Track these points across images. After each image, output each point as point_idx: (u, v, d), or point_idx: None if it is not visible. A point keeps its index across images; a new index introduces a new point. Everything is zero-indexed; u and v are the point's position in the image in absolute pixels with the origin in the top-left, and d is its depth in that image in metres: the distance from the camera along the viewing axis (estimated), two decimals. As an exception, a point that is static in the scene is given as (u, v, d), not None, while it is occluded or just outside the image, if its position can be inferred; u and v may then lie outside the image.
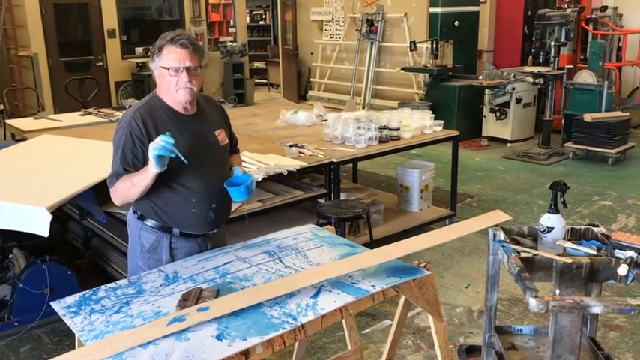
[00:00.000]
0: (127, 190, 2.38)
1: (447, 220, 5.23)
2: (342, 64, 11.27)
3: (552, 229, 2.37)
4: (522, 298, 3.05)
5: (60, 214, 4.82)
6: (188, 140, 2.43)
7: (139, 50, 10.63)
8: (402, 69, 9.25)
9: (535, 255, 2.33)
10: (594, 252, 2.33)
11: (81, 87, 8.01)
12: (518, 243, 2.46)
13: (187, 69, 2.35)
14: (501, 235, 2.43)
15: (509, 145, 8.17)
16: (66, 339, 3.55)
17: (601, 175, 6.83)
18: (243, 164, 3.28)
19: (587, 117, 7.20)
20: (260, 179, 3.76)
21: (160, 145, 2.22)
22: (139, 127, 2.35)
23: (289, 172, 3.96)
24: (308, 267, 2.26)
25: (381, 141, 4.71)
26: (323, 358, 3.36)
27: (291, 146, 4.35)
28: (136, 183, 2.35)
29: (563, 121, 7.95)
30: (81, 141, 4.61)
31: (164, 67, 2.35)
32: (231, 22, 13.95)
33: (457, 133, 5.25)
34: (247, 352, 1.75)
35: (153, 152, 2.23)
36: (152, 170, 2.27)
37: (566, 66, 8.11)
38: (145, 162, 2.36)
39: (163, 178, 2.41)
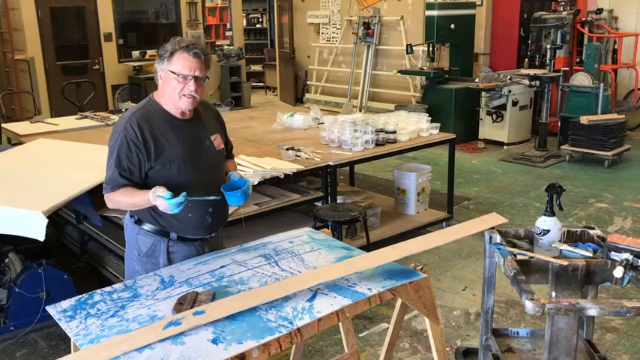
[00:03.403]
0: (125, 204, 2.42)
1: (444, 223, 5.23)
2: (339, 67, 11.29)
3: (548, 231, 2.38)
4: (519, 300, 3.05)
5: (56, 218, 4.82)
6: (184, 145, 2.43)
7: (136, 54, 10.62)
8: (399, 72, 9.26)
9: (531, 257, 2.34)
10: (590, 254, 2.33)
11: (77, 91, 7.99)
12: (514, 246, 2.47)
13: (196, 78, 2.35)
14: (497, 238, 2.44)
15: (505, 147, 8.18)
16: (62, 343, 3.54)
17: (597, 177, 6.84)
18: (240, 167, 3.29)
19: (584, 119, 7.21)
20: (256, 182, 3.76)
21: (174, 207, 2.26)
22: (134, 131, 2.35)
23: (286, 175, 3.96)
24: (304, 270, 2.26)
25: (378, 144, 4.71)
26: (320, 361, 3.36)
27: (287, 149, 4.35)
28: (136, 203, 2.39)
29: (559, 124, 7.97)
30: (77, 145, 4.61)
31: (172, 72, 2.35)
32: (228, 26, 13.97)
33: (454, 136, 5.26)
34: (243, 356, 1.74)
35: (169, 206, 2.25)
36: (153, 202, 2.30)
37: (562, 68, 8.13)
38: (140, 167, 2.37)
39: (160, 182, 2.41)
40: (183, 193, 2.27)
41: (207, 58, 2.40)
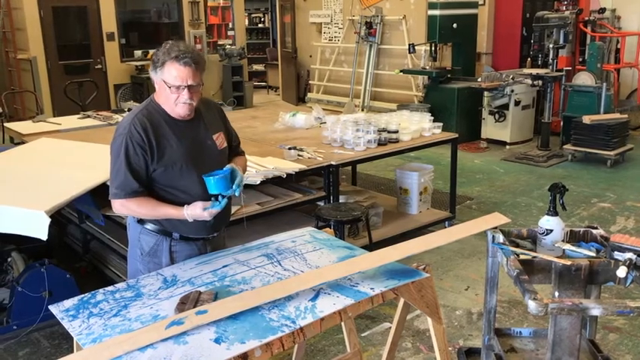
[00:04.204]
0: (144, 214, 2.43)
1: (446, 223, 5.22)
2: (341, 67, 11.28)
3: (551, 231, 2.37)
4: (522, 300, 3.04)
5: (59, 218, 4.82)
6: (186, 145, 2.43)
7: (138, 53, 10.64)
8: (401, 71, 9.25)
9: (534, 257, 2.33)
10: (593, 254, 2.33)
11: (80, 90, 8.00)
12: (517, 245, 2.46)
13: (189, 87, 2.34)
14: (500, 238, 2.43)
15: (508, 147, 8.18)
16: (64, 342, 3.54)
17: (600, 177, 6.83)
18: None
19: (586, 119, 7.20)
20: (259, 182, 3.76)
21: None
22: (139, 133, 2.33)
23: (288, 174, 3.96)
24: (307, 270, 2.26)
25: (380, 143, 4.71)
26: (322, 361, 3.36)
27: (289, 149, 4.35)
28: (160, 216, 2.42)
29: (562, 123, 7.96)
30: (79, 144, 4.61)
31: (165, 82, 2.34)
32: (230, 25, 13.97)
33: (456, 136, 5.25)
34: (246, 356, 1.74)
35: (218, 210, 2.36)
36: (191, 217, 2.36)
37: (565, 68, 8.11)
38: (147, 170, 2.36)
39: (162, 185, 2.41)
40: (223, 198, 2.37)
41: (198, 65, 2.35)
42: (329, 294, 2.04)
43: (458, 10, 8.72)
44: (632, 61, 8.83)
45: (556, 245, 2.36)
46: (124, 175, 2.34)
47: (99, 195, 3.66)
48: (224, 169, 2.42)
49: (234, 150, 2.74)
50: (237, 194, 2.42)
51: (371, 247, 4.00)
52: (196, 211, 2.35)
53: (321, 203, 4.33)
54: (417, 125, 5.04)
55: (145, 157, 2.35)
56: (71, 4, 10.03)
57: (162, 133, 2.39)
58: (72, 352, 1.93)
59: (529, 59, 8.48)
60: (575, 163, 7.41)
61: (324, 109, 5.95)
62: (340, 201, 4.43)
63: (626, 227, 5.26)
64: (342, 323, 2.70)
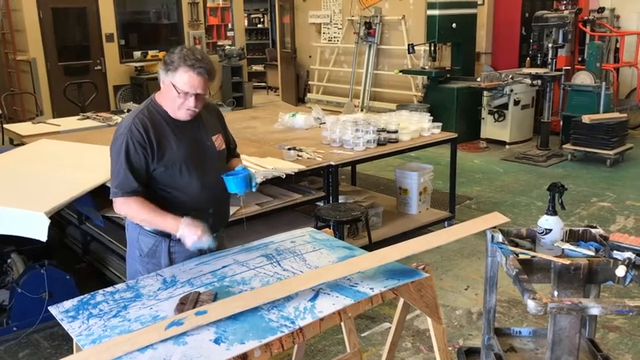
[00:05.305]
0: (141, 219, 2.43)
1: (446, 223, 5.22)
2: (341, 67, 11.28)
3: (550, 230, 2.37)
4: (521, 300, 3.05)
5: (58, 219, 4.82)
6: (185, 146, 2.43)
7: (138, 54, 10.64)
8: (401, 71, 9.26)
9: (533, 257, 2.33)
10: (592, 253, 2.33)
11: (79, 91, 8.00)
12: (516, 245, 2.46)
13: (196, 95, 2.35)
14: (500, 237, 2.43)
15: (507, 146, 8.18)
16: (64, 344, 3.54)
17: (599, 176, 6.83)
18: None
19: (586, 118, 7.21)
20: (258, 182, 3.76)
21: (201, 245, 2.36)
22: (140, 132, 2.34)
23: (287, 175, 3.96)
24: (306, 270, 2.26)
25: (380, 143, 4.71)
26: (322, 361, 3.36)
27: (289, 149, 4.35)
28: (154, 222, 2.41)
29: (561, 123, 7.97)
30: (79, 145, 4.61)
31: (174, 86, 2.34)
32: (230, 26, 13.99)
33: (455, 135, 5.25)
34: (245, 356, 1.74)
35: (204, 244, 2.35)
36: (178, 232, 2.35)
37: (564, 67, 8.12)
38: (147, 169, 2.37)
39: (161, 184, 2.41)
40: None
41: (210, 76, 2.37)
42: (328, 294, 2.04)
43: (457, 10, 8.72)
44: (631, 60, 8.83)
45: (555, 245, 2.36)
46: (124, 174, 2.35)
47: (98, 196, 3.66)
48: (238, 168, 2.50)
49: (231, 153, 2.76)
50: (254, 190, 2.50)
51: (370, 247, 4.00)
52: (192, 232, 2.33)
53: (321, 203, 4.33)
54: (416, 125, 5.04)
55: (146, 156, 2.35)
56: (70, 6, 10.03)
57: (163, 134, 2.40)
58: (72, 353, 1.93)
59: (528, 59, 8.49)
60: (574, 163, 7.41)
61: (323, 110, 5.95)
62: (340, 201, 4.43)
63: (625, 226, 5.26)
64: (342, 323, 2.70)
